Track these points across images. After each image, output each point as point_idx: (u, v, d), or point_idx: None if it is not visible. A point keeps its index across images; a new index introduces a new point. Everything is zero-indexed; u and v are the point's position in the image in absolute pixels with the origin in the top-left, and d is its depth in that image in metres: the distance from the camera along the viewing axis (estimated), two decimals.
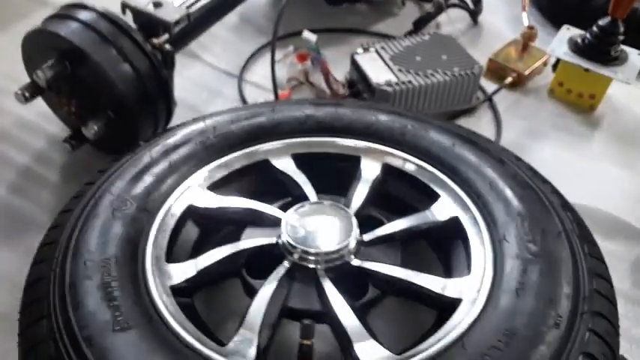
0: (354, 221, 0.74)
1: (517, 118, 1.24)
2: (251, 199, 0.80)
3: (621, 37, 1.17)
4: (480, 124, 1.22)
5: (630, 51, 1.21)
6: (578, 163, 1.15)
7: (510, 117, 1.24)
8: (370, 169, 0.84)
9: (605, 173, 1.13)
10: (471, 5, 1.46)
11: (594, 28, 1.18)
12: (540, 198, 0.75)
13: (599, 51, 1.18)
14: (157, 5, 1.06)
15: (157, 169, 0.77)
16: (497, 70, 1.32)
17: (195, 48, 1.31)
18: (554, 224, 0.71)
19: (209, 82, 1.28)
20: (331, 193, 0.83)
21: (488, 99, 1.26)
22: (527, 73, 1.29)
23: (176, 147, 0.81)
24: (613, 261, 0.98)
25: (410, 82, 1.14)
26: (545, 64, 1.33)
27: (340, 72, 1.26)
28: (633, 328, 0.91)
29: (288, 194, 0.83)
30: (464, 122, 1.21)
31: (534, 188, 0.77)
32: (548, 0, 1.47)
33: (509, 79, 1.28)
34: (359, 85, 1.21)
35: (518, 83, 1.30)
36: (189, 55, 1.31)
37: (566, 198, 0.80)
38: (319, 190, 0.82)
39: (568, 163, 1.15)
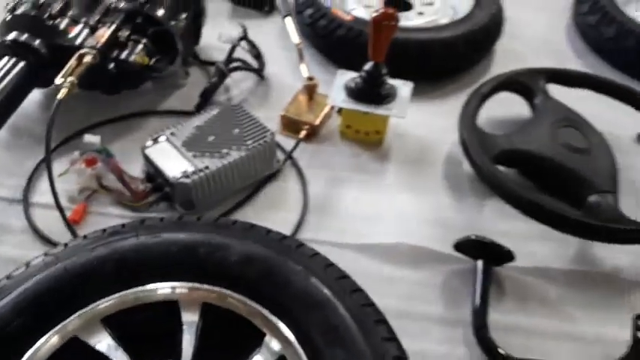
0: None
1: (318, 169, 1.29)
2: None
3: (387, 78, 1.28)
4: (287, 186, 1.26)
5: (398, 84, 1.32)
6: (377, 200, 1.23)
7: (313, 169, 1.29)
8: (190, 315, 0.82)
9: (401, 203, 1.23)
10: (254, 64, 1.50)
11: (362, 74, 1.28)
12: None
13: (371, 93, 1.28)
14: None
15: None
16: (290, 125, 1.37)
17: None
18: None
19: None
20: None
21: (288, 158, 1.30)
22: (318, 122, 1.36)
23: None
24: (424, 289, 1.09)
25: (207, 167, 1.14)
26: (332, 108, 1.41)
27: (137, 164, 1.22)
28: (454, 350, 1.01)
29: None
30: (271, 188, 1.25)
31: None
32: (322, 41, 1.55)
33: (303, 133, 1.34)
34: (158, 179, 1.17)
35: (313, 134, 1.36)
36: None
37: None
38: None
39: (368, 203, 1.23)
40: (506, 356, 0.97)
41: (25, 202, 1.17)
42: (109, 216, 1.16)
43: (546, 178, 1.22)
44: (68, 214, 1.13)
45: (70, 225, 1.09)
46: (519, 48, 1.70)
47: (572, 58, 1.69)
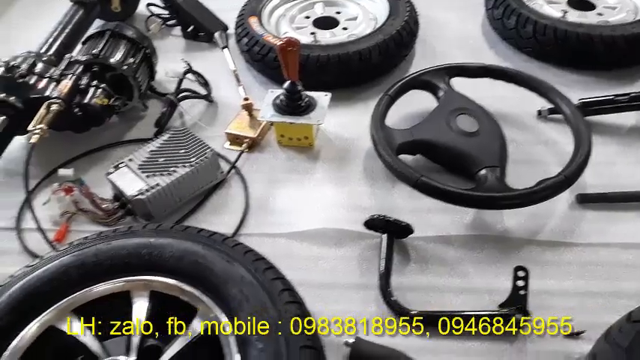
0: None
1: (259, 174, 1.53)
2: None
3: (303, 92, 1.51)
4: (230, 192, 1.50)
5: (317, 95, 1.56)
6: (307, 195, 1.47)
7: (254, 175, 1.53)
8: (141, 301, 1.07)
9: (326, 195, 1.46)
10: (202, 91, 1.74)
11: (283, 91, 1.51)
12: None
13: (292, 106, 1.52)
14: None
15: None
16: (234, 140, 1.61)
17: None
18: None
19: None
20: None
21: (232, 167, 1.54)
22: (257, 135, 1.60)
23: None
24: (343, 263, 1.32)
25: (158, 184, 1.38)
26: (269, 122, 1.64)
27: (108, 188, 1.47)
28: (366, 308, 1.23)
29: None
30: (218, 195, 1.49)
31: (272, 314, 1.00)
32: (258, 65, 1.80)
33: (244, 145, 1.58)
34: (122, 198, 1.42)
35: (254, 145, 1.60)
36: None
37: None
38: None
39: (300, 198, 1.46)
40: (402, 308, 1.19)
41: (18, 229, 1.43)
42: (88, 232, 1.40)
43: (444, 159, 1.45)
44: (53, 234, 1.39)
45: (51, 243, 1.35)
46: (439, 46, 1.92)
47: (485, 49, 1.90)
